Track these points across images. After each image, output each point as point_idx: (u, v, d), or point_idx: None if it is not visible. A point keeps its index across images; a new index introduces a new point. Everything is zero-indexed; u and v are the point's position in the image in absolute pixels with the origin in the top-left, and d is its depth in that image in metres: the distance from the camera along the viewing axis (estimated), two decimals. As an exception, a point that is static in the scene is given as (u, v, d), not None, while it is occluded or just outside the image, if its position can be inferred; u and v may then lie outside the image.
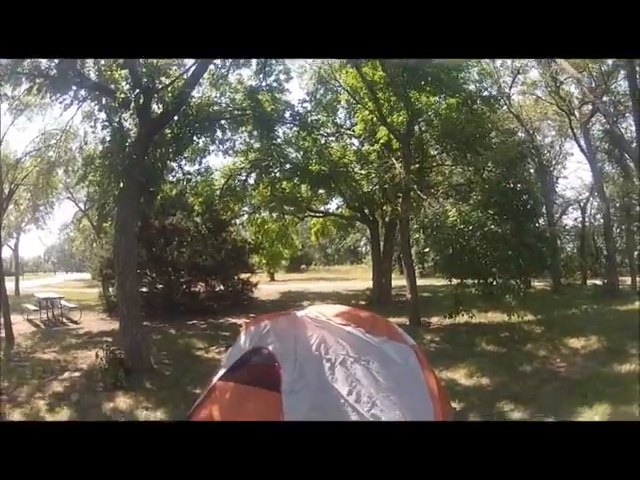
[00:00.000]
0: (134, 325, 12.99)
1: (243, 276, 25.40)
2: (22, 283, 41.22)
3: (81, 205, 39.55)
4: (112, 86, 14.47)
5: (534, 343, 14.56)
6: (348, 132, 25.86)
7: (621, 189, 32.72)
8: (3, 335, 16.54)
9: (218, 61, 15.43)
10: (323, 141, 23.70)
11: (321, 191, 27.50)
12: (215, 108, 17.49)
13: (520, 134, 29.78)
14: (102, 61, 14.37)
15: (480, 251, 15.74)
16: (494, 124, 21.28)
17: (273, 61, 16.54)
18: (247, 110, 17.74)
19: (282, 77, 17.97)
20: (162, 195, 18.12)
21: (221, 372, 7.47)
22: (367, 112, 21.54)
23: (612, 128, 22.11)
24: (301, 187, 26.36)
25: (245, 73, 18.49)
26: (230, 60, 15.11)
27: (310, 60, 23.19)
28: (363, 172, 24.03)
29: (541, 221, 27.81)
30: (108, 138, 14.75)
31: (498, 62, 29.19)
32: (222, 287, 24.81)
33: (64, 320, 21.61)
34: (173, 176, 17.83)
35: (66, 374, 12.43)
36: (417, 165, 20.75)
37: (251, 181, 24.66)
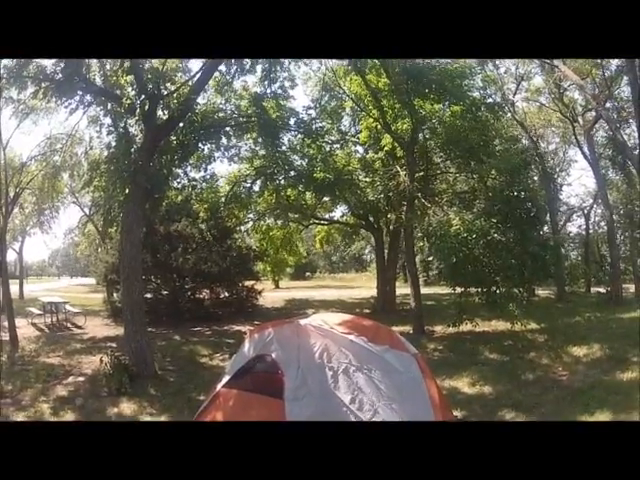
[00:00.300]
0: (139, 331, 13.03)
1: (248, 283, 25.43)
2: (26, 287, 41.41)
3: (86, 210, 39.58)
4: (117, 92, 14.57)
5: (537, 351, 14.54)
6: (353, 139, 25.88)
7: (624, 196, 32.71)
8: (7, 338, 16.62)
9: (223, 67, 15.47)
10: (328, 148, 23.77)
11: (326, 199, 27.49)
12: (220, 115, 17.61)
13: (524, 141, 29.81)
14: (107, 66, 14.54)
15: (483, 260, 15.82)
16: (498, 131, 21.29)
17: (278, 67, 16.60)
18: (252, 117, 17.86)
19: (287, 84, 18.10)
20: (167, 201, 18.28)
21: (225, 379, 7.51)
22: (371, 120, 21.56)
23: (615, 135, 22.09)
24: (306, 194, 26.38)
25: (250, 80, 18.59)
26: (235, 66, 15.15)
27: (315, 67, 23.31)
28: (368, 180, 24.02)
29: (545, 229, 27.97)
30: (114, 143, 14.82)
31: (502, 69, 29.41)
32: (227, 294, 24.85)
33: (68, 325, 21.64)
34: (178, 182, 17.95)
35: (70, 378, 12.46)
36: (421, 173, 20.72)
37: (256, 188, 24.76)
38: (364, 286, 41.67)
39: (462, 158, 20.00)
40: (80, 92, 13.97)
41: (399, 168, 20.13)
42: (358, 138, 24.43)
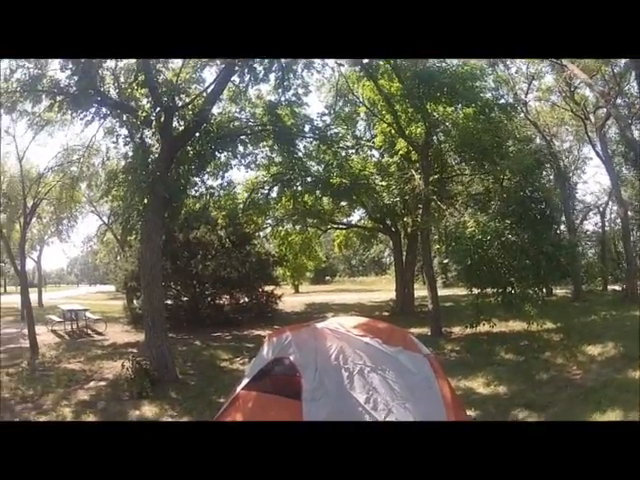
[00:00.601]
0: (160, 336, 13.22)
1: (267, 288, 25.62)
2: (45, 295, 41.73)
3: (105, 218, 39.90)
4: (132, 104, 14.83)
5: (552, 351, 14.59)
6: (368, 144, 26.04)
7: (639, 193, 32.59)
8: (28, 345, 16.90)
9: (236, 77, 15.63)
10: (343, 154, 23.90)
11: (343, 203, 27.78)
12: (236, 124, 17.80)
13: (538, 140, 29.80)
14: (121, 78, 14.77)
15: (498, 261, 15.90)
16: (511, 132, 21.30)
17: (291, 75, 16.71)
18: (267, 125, 18.03)
19: (300, 91, 18.16)
20: (186, 209, 18.44)
21: (244, 381, 7.73)
22: (385, 124, 21.72)
23: (624, 132, 22.11)
24: (323, 200, 26.67)
25: (264, 88, 18.71)
26: (248, 75, 15.27)
27: (328, 74, 23.41)
28: (384, 184, 24.21)
29: (562, 227, 27.95)
30: (130, 154, 15.11)
31: (513, 69, 29.37)
32: (246, 299, 25.05)
33: (89, 331, 21.94)
34: (196, 190, 18.06)
35: (92, 383, 12.72)
36: (436, 176, 20.89)
37: (273, 194, 25.12)
38: (384, 289, 41.76)
39: (476, 160, 20.12)
40: (95, 105, 14.20)
41: (414, 172, 20.29)
42: (373, 142, 24.63)
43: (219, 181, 20.08)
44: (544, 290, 20.38)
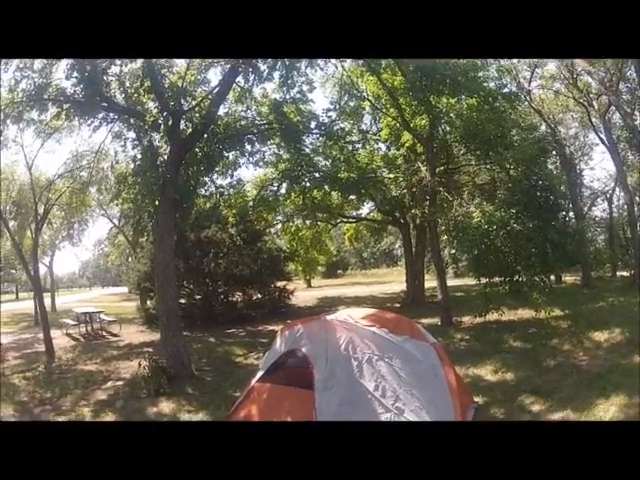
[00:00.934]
0: (175, 335, 13.46)
1: (280, 284, 25.85)
2: (57, 299, 41.94)
3: (115, 221, 40.07)
4: (139, 108, 15.08)
5: (559, 338, 14.68)
6: (374, 138, 26.12)
7: (644, 178, 32.63)
8: (43, 349, 17.17)
9: (241, 78, 15.77)
10: (350, 148, 23.92)
11: (352, 197, 27.87)
12: (242, 123, 17.89)
13: (543, 128, 29.76)
14: (127, 83, 14.97)
15: (505, 250, 16.00)
16: (515, 121, 21.29)
17: (295, 72, 16.84)
18: (273, 123, 18.11)
19: (305, 88, 18.22)
20: (196, 209, 18.64)
21: (259, 374, 8.02)
22: (390, 118, 21.88)
23: (626, 119, 22.15)
24: (332, 194, 26.77)
25: (269, 87, 18.79)
26: (253, 75, 15.36)
27: (331, 70, 23.57)
28: (391, 176, 24.43)
29: (571, 214, 27.98)
30: (139, 156, 15.26)
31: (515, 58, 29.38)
32: (259, 295, 25.25)
33: (104, 333, 22.15)
34: (206, 190, 18.19)
35: (109, 383, 12.93)
36: (442, 167, 21.03)
37: (282, 191, 25.14)
38: (395, 280, 41.67)
39: (481, 150, 20.10)
40: (103, 111, 14.47)
41: (420, 164, 20.42)
42: (379, 136, 24.69)
43: (228, 180, 20.15)
44: (552, 277, 20.53)
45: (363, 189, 24.81)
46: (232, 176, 20.06)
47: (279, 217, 29.47)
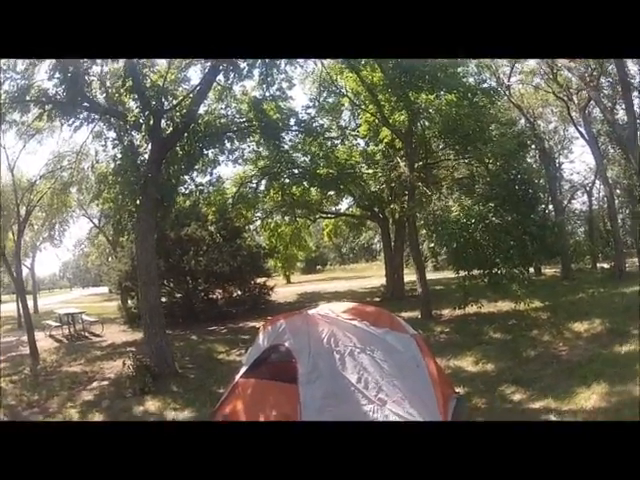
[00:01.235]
0: (158, 333, 13.49)
1: (260, 280, 25.80)
2: (39, 301, 41.76)
3: (96, 221, 39.85)
4: (120, 108, 15.09)
5: (539, 329, 14.87)
6: (353, 134, 26.17)
7: (625, 170, 32.86)
8: (28, 352, 17.14)
9: (221, 76, 15.79)
10: (329, 144, 24.02)
11: (331, 193, 28.01)
12: (222, 121, 17.95)
13: (522, 122, 30.06)
14: (108, 82, 14.96)
15: (484, 243, 16.18)
16: (494, 116, 21.43)
17: (274, 70, 16.89)
18: (253, 120, 18.23)
19: (284, 85, 18.32)
20: (176, 207, 18.66)
21: (243, 370, 8.09)
22: (369, 114, 21.98)
23: (605, 114, 22.36)
24: (311, 190, 26.90)
25: (248, 84, 18.84)
26: (233, 73, 15.42)
27: (310, 68, 23.66)
28: (370, 172, 24.49)
29: (550, 207, 28.27)
30: (119, 155, 15.28)
31: (496, 52, 29.44)
32: (239, 292, 25.24)
33: (86, 334, 22.04)
34: (186, 188, 18.35)
35: (94, 384, 12.98)
36: (421, 162, 21.05)
37: (262, 188, 25.29)
38: (375, 275, 41.73)
39: (460, 145, 20.35)
40: (84, 111, 14.48)
41: (399, 159, 20.50)
42: (358, 132, 24.74)
43: (208, 177, 20.35)
44: (531, 270, 20.73)
45: (342, 185, 24.93)
46: (211, 174, 20.36)
47: (258, 214, 29.45)
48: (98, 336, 21.49)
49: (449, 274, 24.74)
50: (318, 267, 71.91)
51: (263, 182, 24.91)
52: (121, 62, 14.10)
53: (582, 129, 29.85)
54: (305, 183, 25.23)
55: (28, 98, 13.77)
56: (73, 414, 10.67)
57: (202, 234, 23.71)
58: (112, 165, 16.10)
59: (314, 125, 21.53)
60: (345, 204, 32.81)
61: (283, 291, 31.26)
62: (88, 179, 25.58)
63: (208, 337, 18.95)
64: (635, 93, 24.12)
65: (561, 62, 20.51)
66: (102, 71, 14.75)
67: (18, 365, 16.03)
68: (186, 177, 17.55)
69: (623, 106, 26.43)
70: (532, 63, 30.24)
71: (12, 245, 26.15)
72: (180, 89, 16.23)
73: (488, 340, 14.42)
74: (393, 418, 6.60)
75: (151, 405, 10.86)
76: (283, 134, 20.17)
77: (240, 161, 22.24)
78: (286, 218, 30.22)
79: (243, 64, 15.02)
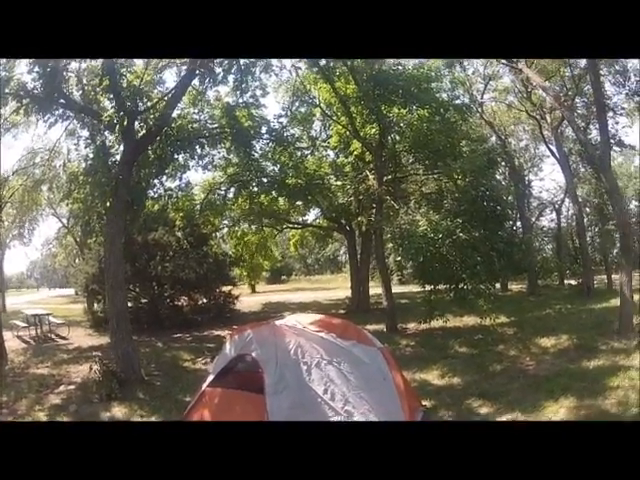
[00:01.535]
0: (124, 338, 13.32)
1: (225, 289, 25.72)
2: (7, 299, 41.21)
3: (65, 221, 39.49)
4: (95, 107, 14.96)
5: (505, 344, 15.07)
6: (323, 145, 26.34)
7: (596, 189, 33.30)
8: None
9: (196, 81, 15.75)
10: (299, 154, 24.27)
11: (298, 203, 28.06)
12: (195, 126, 17.90)
13: (493, 139, 30.40)
14: (84, 80, 14.82)
15: (450, 258, 16.27)
16: (465, 132, 21.72)
17: (249, 77, 16.89)
18: (225, 127, 18.20)
19: (258, 92, 18.42)
20: (145, 211, 18.51)
21: (209, 379, 8.07)
22: (341, 126, 22.06)
23: (578, 135, 22.62)
24: (279, 200, 26.89)
25: (223, 90, 18.82)
26: (208, 77, 15.37)
27: (285, 76, 23.71)
28: (339, 184, 24.57)
29: (519, 224, 28.57)
30: (91, 155, 15.18)
31: (470, 70, 29.79)
32: (205, 300, 25.07)
33: (53, 336, 21.64)
34: (155, 192, 18.24)
35: (62, 387, 12.72)
36: (390, 176, 21.18)
37: (230, 195, 25.18)
38: (340, 287, 41.77)
39: (430, 160, 20.57)
40: (60, 108, 14.31)
41: (368, 172, 20.74)
42: (328, 143, 24.88)
43: (177, 182, 20.29)
44: (497, 285, 20.92)
45: (310, 195, 25.01)
46: (181, 179, 20.34)
47: (225, 221, 29.56)
48: (64, 339, 21.12)
49: (414, 288, 24.88)
50: (283, 277, 71.70)
51: (232, 189, 24.86)
52: (100, 60, 13.96)
53: (553, 147, 30.35)
54: (274, 192, 25.18)
55: (7, 91, 13.55)
56: (41, 417, 10.52)
57: (169, 239, 23.55)
58: (83, 165, 16.01)
59: (285, 134, 21.70)
60: (312, 215, 32.96)
61: (248, 300, 31.15)
62: (59, 178, 25.41)
63: (173, 344, 18.75)
64: (610, 114, 24.43)
65: (536, 81, 20.65)
66: (80, 68, 14.62)
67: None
68: (156, 181, 17.49)
69: (597, 126, 26.94)
70: (506, 81, 30.81)
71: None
72: (155, 91, 16.19)
73: (454, 354, 14.51)
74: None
75: (118, 411, 10.70)
76: (254, 142, 20.21)
77: (210, 167, 22.19)
78: (253, 227, 30.34)
79: (219, 69, 15.04)
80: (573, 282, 30.73)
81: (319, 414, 6.76)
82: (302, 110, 25.76)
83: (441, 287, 17.21)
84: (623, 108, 27.36)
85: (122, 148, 14.54)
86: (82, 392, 12.11)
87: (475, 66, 29.90)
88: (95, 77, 14.66)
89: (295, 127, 24.98)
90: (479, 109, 29.72)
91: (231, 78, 16.26)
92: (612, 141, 23.02)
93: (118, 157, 14.69)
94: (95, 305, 24.93)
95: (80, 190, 16.10)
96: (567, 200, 37.98)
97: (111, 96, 14.46)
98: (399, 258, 18.64)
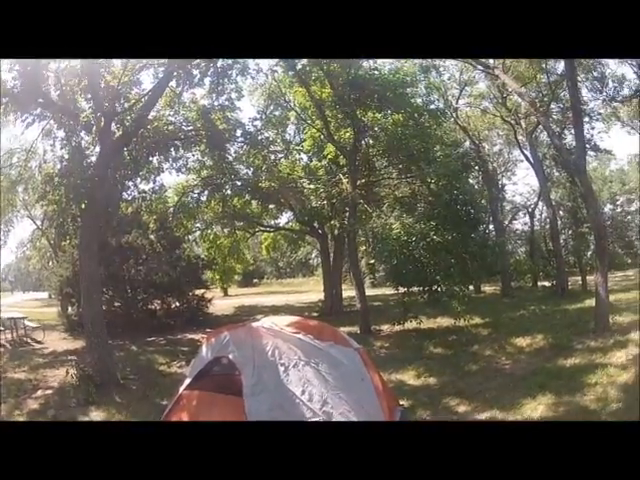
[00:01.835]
0: (100, 342, 13.23)
1: (198, 292, 25.57)
2: (-20, 303, 40.87)
3: (39, 222, 39.21)
4: (72, 107, 14.82)
5: (480, 344, 15.22)
6: (297, 148, 26.53)
7: (570, 193, 33.65)
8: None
9: (173, 83, 15.74)
10: (273, 158, 24.21)
11: (271, 206, 28.19)
12: (170, 128, 17.89)
13: (467, 144, 30.66)
14: (62, 80, 14.67)
15: (424, 260, 16.44)
16: (439, 137, 21.85)
17: (226, 80, 16.92)
18: (200, 130, 18.21)
19: (234, 95, 18.46)
20: (118, 213, 18.51)
21: (187, 382, 8.06)
22: (315, 130, 22.14)
23: (553, 140, 22.84)
24: (252, 203, 27.15)
25: (198, 92, 18.82)
26: (185, 79, 15.32)
27: (261, 79, 23.78)
28: (312, 187, 24.58)
29: (491, 227, 28.80)
30: (66, 156, 15.14)
31: (446, 75, 30.01)
32: (178, 304, 24.88)
33: (28, 340, 21.42)
34: (129, 194, 18.26)
35: (39, 392, 12.58)
36: (364, 179, 21.29)
37: (203, 198, 25.39)
38: (312, 290, 41.94)
39: (403, 164, 20.69)
40: (38, 107, 14.22)
41: (342, 175, 20.84)
42: (302, 146, 25.02)
43: (151, 185, 20.19)
44: (471, 287, 21.09)
45: (283, 199, 25.17)
46: (155, 181, 20.20)
47: (198, 224, 29.65)
48: (39, 343, 20.85)
49: (387, 290, 25.01)
50: (255, 280, 71.77)
51: (205, 192, 25.01)
52: (79, 59, 13.89)
53: (527, 152, 30.74)
54: (247, 195, 25.43)
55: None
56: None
57: (142, 242, 23.37)
58: (59, 166, 15.91)
59: (259, 138, 21.73)
60: (285, 218, 33.20)
61: (220, 303, 31.12)
62: (35, 179, 25.22)
63: (148, 348, 18.67)
64: (586, 119, 24.71)
65: (512, 87, 20.83)
66: (59, 67, 14.42)
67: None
68: (130, 183, 17.45)
69: (572, 131, 27.23)
70: (482, 86, 31.05)
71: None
72: (133, 92, 16.12)
73: (429, 355, 14.66)
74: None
75: (96, 415, 10.66)
76: (228, 145, 20.29)
77: (184, 170, 22.20)
78: (225, 230, 30.50)
79: (196, 71, 15.02)
80: (547, 284, 30.91)
81: (298, 415, 6.78)
82: (277, 113, 26.02)
83: (415, 289, 17.33)
84: (599, 114, 27.69)
85: (98, 149, 14.47)
86: (59, 397, 12.02)
87: (451, 72, 30.30)
88: (74, 77, 14.56)
89: (269, 130, 25.10)
90: (454, 114, 29.99)
91: (207, 80, 16.32)
92: (588, 146, 23.23)
93: (94, 158, 14.62)
94: (69, 309, 24.68)
95: (55, 192, 15.98)
96: (541, 204, 38.48)
97: (89, 96, 14.41)
98: (372, 261, 18.78)
